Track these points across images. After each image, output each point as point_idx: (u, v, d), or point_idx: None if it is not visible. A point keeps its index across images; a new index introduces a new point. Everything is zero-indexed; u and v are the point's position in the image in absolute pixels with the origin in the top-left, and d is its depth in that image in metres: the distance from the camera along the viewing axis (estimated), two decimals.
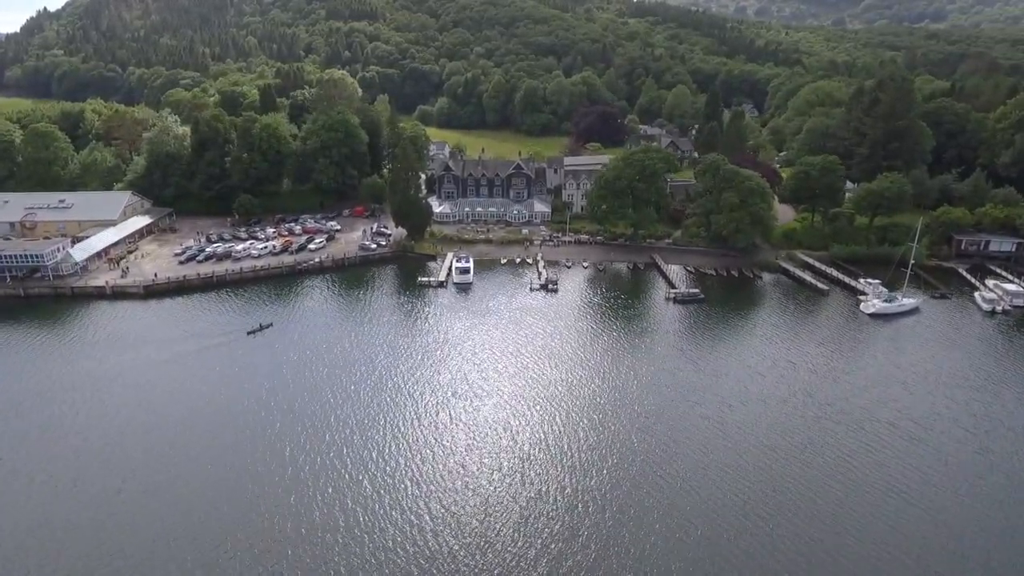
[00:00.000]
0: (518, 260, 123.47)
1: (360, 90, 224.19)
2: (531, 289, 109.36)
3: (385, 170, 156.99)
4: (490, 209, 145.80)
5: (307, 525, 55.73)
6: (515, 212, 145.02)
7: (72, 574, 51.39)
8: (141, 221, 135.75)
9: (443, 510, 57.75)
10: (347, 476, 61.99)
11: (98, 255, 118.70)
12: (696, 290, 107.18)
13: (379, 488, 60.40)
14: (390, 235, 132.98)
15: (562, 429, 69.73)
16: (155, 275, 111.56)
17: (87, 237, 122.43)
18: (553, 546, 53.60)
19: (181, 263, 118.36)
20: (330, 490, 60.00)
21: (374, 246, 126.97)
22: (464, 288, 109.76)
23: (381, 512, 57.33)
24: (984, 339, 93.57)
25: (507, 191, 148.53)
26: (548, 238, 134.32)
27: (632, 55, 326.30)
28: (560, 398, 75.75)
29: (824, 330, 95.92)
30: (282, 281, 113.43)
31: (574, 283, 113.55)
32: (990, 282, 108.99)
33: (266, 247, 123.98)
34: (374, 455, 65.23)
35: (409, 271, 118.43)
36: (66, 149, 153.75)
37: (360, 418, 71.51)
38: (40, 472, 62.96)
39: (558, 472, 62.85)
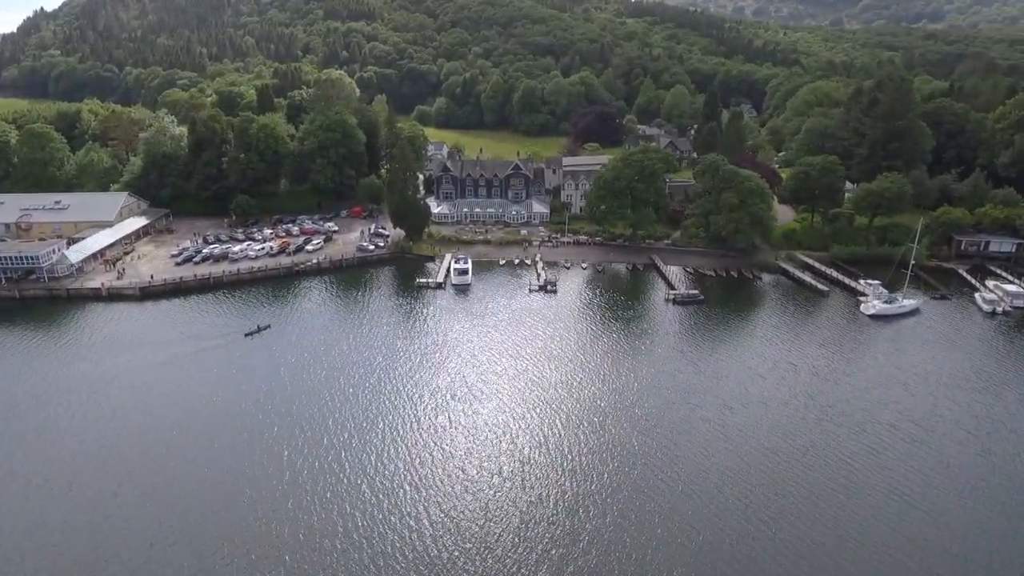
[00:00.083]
0: (517, 261, 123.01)
1: (358, 90, 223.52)
2: (530, 290, 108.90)
3: (383, 170, 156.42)
4: (488, 210, 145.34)
5: (305, 530, 55.21)
6: (514, 213, 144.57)
7: None
8: (137, 222, 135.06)
9: (442, 515, 57.25)
10: (345, 480, 61.47)
11: (94, 256, 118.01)
12: (695, 291, 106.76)
13: (378, 492, 59.90)
14: (388, 236, 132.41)
15: (562, 432, 69.26)
16: (151, 276, 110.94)
17: (83, 238, 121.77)
18: (554, 551, 53.13)
19: (178, 264, 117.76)
20: (328, 494, 59.48)
21: (372, 247, 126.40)
22: (463, 289, 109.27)
23: (380, 517, 56.82)
24: (985, 340, 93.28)
25: (506, 192, 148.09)
26: (547, 239, 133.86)
27: (630, 55, 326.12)
28: (560, 401, 75.30)
29: (824, 331, 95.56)
30: (279, 282, 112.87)
31: (573, 284, 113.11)
32: (990, 283, 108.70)
33: (263, 248, 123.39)
34: (372, 459, 64.73)
35: (407, 272, 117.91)
36: (62, 150, 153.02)
37: (358, 421, 71.00)
38: (36, 475, 62.45)
39: (558, 476, 62.38)
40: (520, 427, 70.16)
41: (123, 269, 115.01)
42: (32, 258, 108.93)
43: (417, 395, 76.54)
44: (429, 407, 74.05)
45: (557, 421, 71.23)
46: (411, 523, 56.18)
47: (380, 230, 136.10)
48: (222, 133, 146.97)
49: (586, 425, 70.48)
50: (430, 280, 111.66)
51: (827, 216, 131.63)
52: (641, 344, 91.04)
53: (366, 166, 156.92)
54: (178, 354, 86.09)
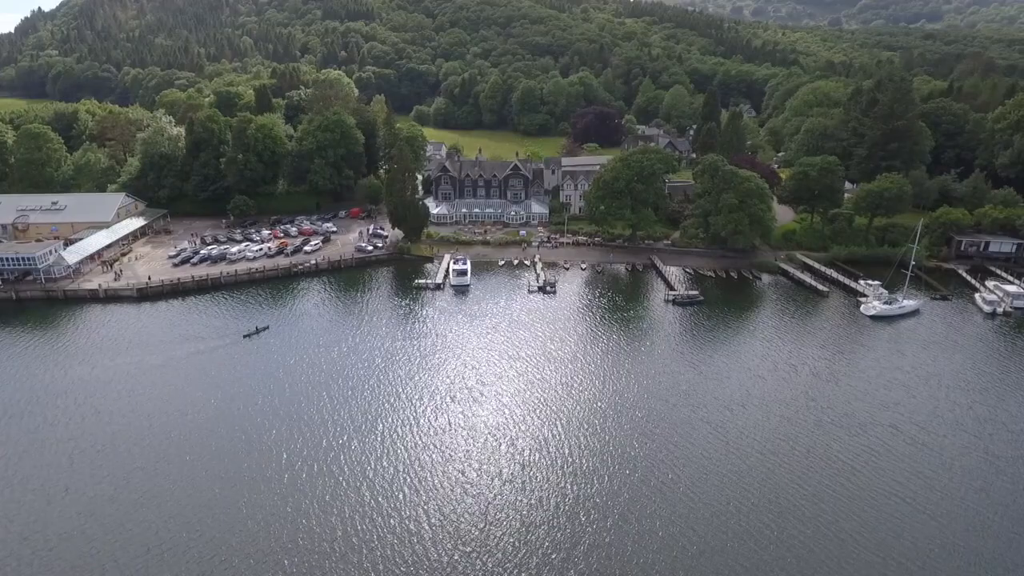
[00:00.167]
0: (516, 262, 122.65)
1: (356, 90, 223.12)
2: (529, 291, 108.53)
3: (382, 171, 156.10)
4: (487, 210, 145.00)
5: (304, 534, 54.77)
6: (513, 213, 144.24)
7: None
8: (135, 223, 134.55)
9: (442, 518, 56.84)
10: (344, 483, 61.04)
11: (91, 257, 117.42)
12: (695, 292, 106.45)
13: (377, 495, 59.46)
14: (387, 237, 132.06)
15: (562, 434, 68.89)
16: (149, 278, 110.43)
17: (80, 239, 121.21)
18: (555, 555, 52.73)
19: (175, 265, 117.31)
20: (327, 497, 59.04)
21: (370, 248, 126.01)
22: (461, 290, 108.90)
23: (379, 520, 56.38)
24: (986, 341, 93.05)
25: (504, 192, 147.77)
26: (546, 239, 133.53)
27: (629, 55, 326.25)
28: (559, 402, 74.94)
29: (824, 332, 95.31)
30: (278, 284, 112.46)
31: (572, 285, 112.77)
32: (990, 283, 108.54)
33: (261, 249, 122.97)
34: (372, 461, 64.30)
35: (406, 273, 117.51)
36: (59, 150, 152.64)
37: (357, 423, 70.57)
38: (32, 479, 61.90)
39: (559, 478, 62.00)
40: (520, 429, 69.77)
41: (120, 270, 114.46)
42: (29, 259, 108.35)
43: (416, 397, 76.14)
44: (428, 409, 73.65)
45: (557, 423, 70.85)
46: (411, 526, 55.76)
47: (379, 231, 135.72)
48: (220, 134, 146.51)
49: (586, 427, 70.11)
50: (429, 281, 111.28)
51: (827, 216, 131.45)
52: (641, 345, 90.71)
53: (364, 167, 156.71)
54: (175, 356, 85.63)
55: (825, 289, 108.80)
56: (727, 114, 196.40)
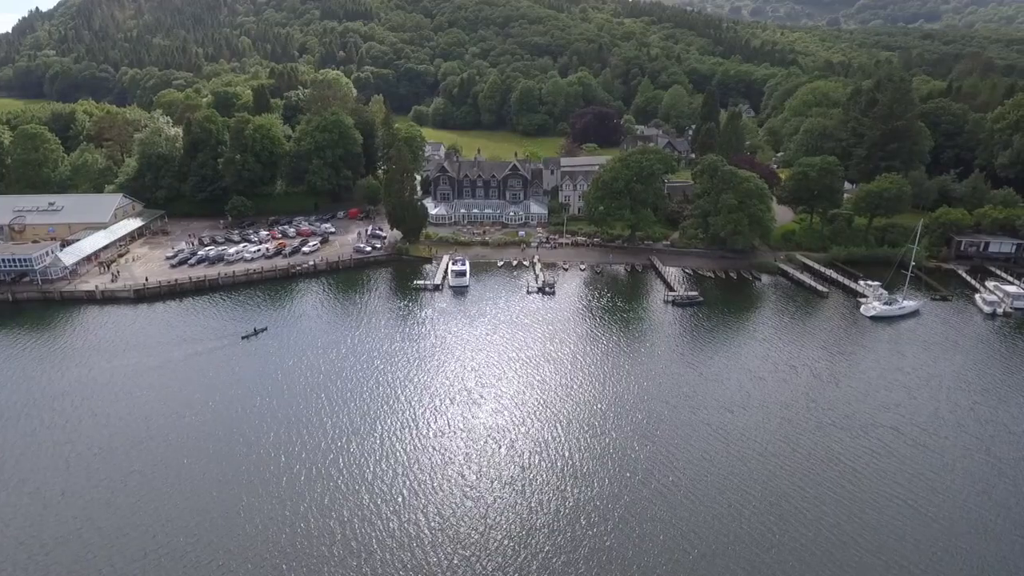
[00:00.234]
0: (515, 262, 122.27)
1: (355, 90, 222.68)
2: (528, 292, 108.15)
3: (380, 171, 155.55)
4: (486, 211, 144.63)
5: (303, 537, 54.37)
6: (511, 214, 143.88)
7: None
8: (132, 224, 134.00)
9: (441, 521, 56.46)
10: (343, 486, 60.63)
11: (88, 259, 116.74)
12: (695, 292, 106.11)
13: (376, 498, 59.07)
14: (385, 237, 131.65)
15: (562, 436, 68.52)
16: (146, 279, 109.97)
17: (77, 240, 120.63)
18: (555, 559, 52.36)
19: (173, 266, 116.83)
20: (326, 500, 58.64)
21: (369, 249, 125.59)
22: (460, 291, 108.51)
23: (378, 523, 55.99)
24: (986, 342, 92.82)
25: (503, 192, 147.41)
26: (545, 240, 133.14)
27: (628, 55, 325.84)
28: (559, 404, 74.58)
29: (824, 333, 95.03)
30: (276, 285, 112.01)
31: (571, 286, 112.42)
32: (990, 284, 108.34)
33: (259, 250, 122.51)
34: (370, 464, 63.90)
35: (404, 274, 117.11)
36: (56, 151, 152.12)
37: (356, 425, 70.16)
38: (28, 482, 61.44)
39: (558, 481, 61.63)
40: (519, 431, 69.40)
41: (117, 271, 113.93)
42: (25, 260, 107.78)
43: (415, 399, 75.75)
44: (427, 411, 73.27)
45: (556, 425, 70.50)
46: (410, 529, 55.37)
47: (377, 231, 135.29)
48: (218, 134, 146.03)
49: (586, 429, 69.76)
50: (427, 282, 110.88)
51: (826, 217, 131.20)
52: (640, 346, 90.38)
53: (363, 167, 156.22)
54: (173, 358, 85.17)
55: (825, 290, 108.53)
56: (726, 114, 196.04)
